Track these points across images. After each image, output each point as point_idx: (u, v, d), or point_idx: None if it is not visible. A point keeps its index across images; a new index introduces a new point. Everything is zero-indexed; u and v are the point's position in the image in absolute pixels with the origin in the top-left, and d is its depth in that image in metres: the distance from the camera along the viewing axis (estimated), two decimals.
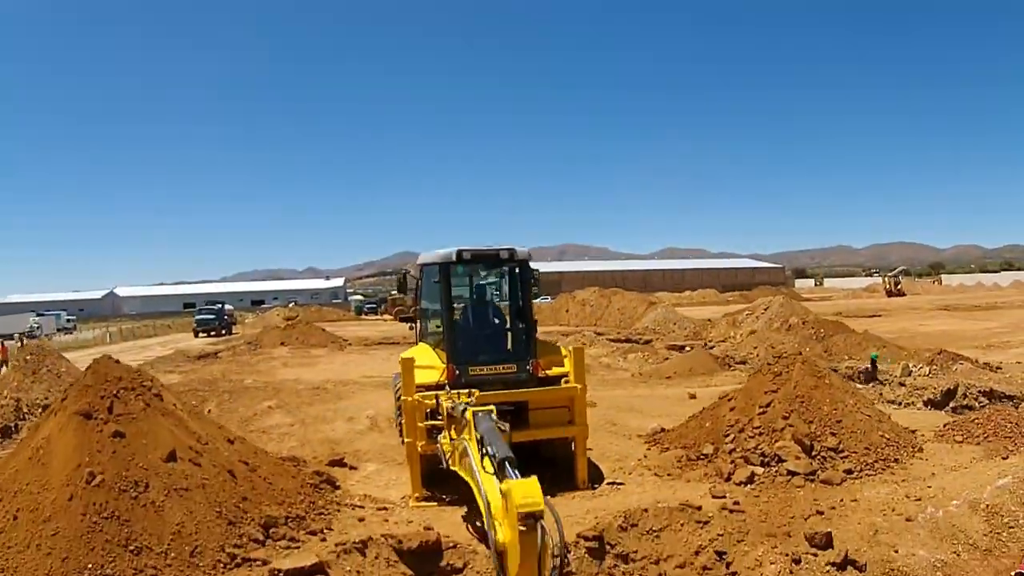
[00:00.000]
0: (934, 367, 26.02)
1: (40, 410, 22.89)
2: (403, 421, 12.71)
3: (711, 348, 35.30)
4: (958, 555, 10.08)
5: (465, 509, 11.32)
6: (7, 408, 23.35)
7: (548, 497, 11.31)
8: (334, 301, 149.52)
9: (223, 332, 73.26)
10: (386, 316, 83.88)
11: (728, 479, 12.60)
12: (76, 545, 8.47)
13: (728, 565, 9.49)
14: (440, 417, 10.87)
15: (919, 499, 11.26)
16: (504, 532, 6.55)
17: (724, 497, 11.33)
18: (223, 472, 10.31)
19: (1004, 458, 13.12)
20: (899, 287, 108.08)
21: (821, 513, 10.68)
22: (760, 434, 13.52)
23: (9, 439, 20.55)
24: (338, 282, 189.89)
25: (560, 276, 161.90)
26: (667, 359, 31.93)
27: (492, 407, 9.66)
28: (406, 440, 12.30)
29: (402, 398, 12.34)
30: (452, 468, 9.94)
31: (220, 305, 79.99)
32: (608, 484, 12.94)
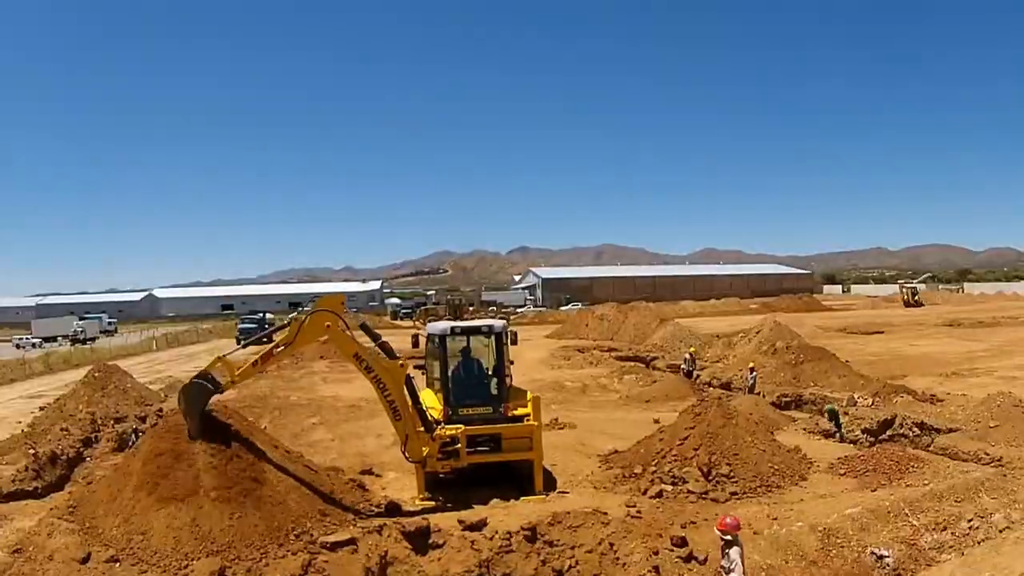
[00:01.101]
0: (877, 398, 30.16)
1: (112, 422, 27.81)
2: None
3: (690, 370, 39.74)
4: (786, 562, 14.15)
5: (455, 508, 16.50)
6: (84, 421, 27.63)
7: (513, 499, 16.41)
8: (371, 304, 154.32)
9: (265, 341, 75.78)
10: (419, 323, 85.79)
11: (644, 493, 17.54)
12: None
13: (615, 552, 14.41)
14: None
15: (775, 518, 15.39)
16: None
17: (634, 507, 16.10)
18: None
19: (873, 491, 17.03)
20: (916, 298, 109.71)
21: (694, 523, 15.20)
22: (675, 460, 18.40)
23: (89, 448, 25.14)
24: (375, 284, 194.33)
25: (591, 282, 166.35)
26: (655, 382, 36.78)
27: None
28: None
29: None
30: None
31: (262, 315, 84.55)
32: (557, 493, 18.06)
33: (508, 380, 18.70)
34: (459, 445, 17.11)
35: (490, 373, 18.97)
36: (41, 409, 32.05)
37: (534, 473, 17.97)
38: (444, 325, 19.07)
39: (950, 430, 24.40)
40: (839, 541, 14.63)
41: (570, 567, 14.43)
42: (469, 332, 19.15)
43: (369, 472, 20.32)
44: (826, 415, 26.03)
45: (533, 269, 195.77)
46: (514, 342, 19.36)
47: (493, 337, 18.88)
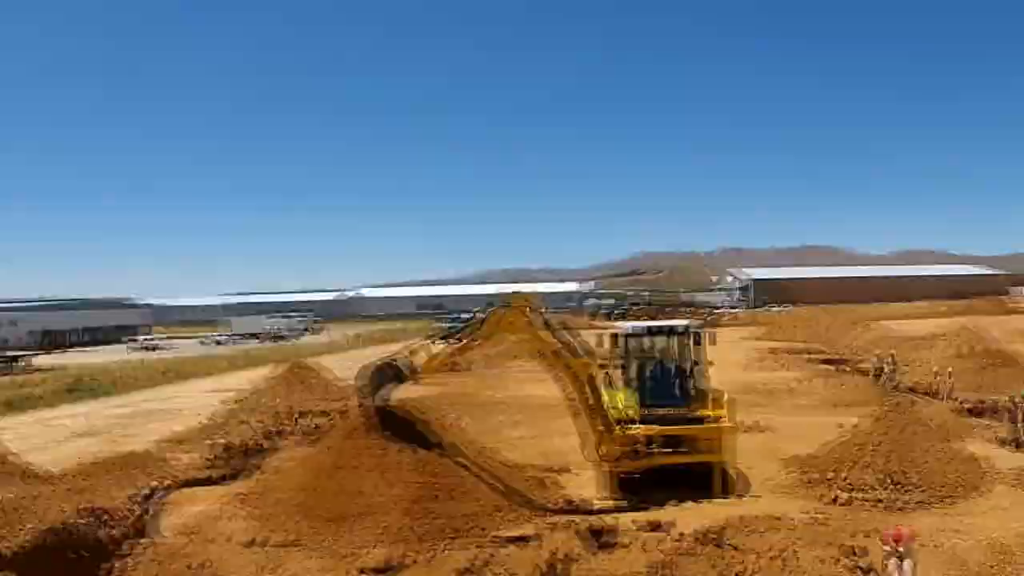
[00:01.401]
0: None
1: (298, 416, 28.98)
2: None
3: (881, 373, 37.91)
4: None
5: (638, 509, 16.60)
6: (269, 415, 29.16)
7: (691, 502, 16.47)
8: (568, 304, 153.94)
9: (454, 340, 76.79)
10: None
11: (835, 500, 17.06)
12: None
13: (793, 559, 13.97)
14: None
15: (950, 530, 14.77)
16: None
17: (814, 513, 15.90)
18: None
19: None
20: None
21: (867, 536, 14.60)
22: (864, 467, 17.85)
23: (271, 440, 25.89)
24: (572, 286, 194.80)
25: (789, 283, 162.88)
26: (843, 385, 35.92)
27: None
28: None
29: None
30: None
31: (459, 315, 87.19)
32: (738, 496, 17.83)
33: (702, 380, 18.75)
34: (641, 445, 17.17)
35: (679, 373, 18.95)
36: (225, 403, 33.51)
37: (714, 475, 17.87)
38: (629, 325, 19.47)
39: None
40: (1005, 559, 13.87)
41: (752, 572, 14.22)
42: (654, 332, 19.35)
43: (555, 470, 20.52)
44: (1020, 399, 24.49)
45: (744, 269, 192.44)
46: (699, 342, 19.25)
47: (677, 337, 18.96)
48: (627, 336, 18.83)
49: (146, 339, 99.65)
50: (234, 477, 21.64)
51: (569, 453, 22.12)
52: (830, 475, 18.26)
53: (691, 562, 14.39)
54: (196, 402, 38.13)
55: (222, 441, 24.69)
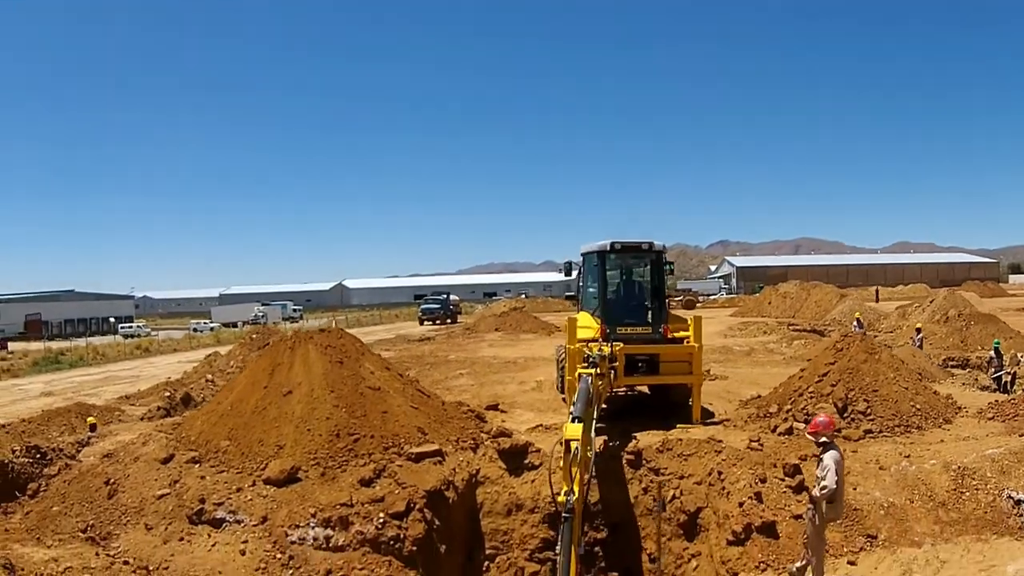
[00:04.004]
0: None
1: None
2: (565, 366, 17.52)
3: (864, 334, 37.32)
4: (911, 501, 12.54)
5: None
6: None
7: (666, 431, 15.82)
8: (567, 294, 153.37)
9: (447, 320, 76.49)
10: None
11: (774, 431, 16.09)
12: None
13: (722, 480, 13.42)
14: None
15: (908, 456, 13.69)
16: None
17: (757, 440, 14.89)
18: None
19: (1021, 435, 14.73)
20: None
21: (802, 459, 13.60)
22: (812, 398, 16.90)
23: None
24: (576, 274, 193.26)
25: (785, 270, 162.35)
26: (818, 343, 35.20)
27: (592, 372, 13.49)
28: (567, 377, 17.09)
29: (566, 346, 17.27)
30: None
31: (445, 295, 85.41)
32: (704, 424, 17.10)
33: (669, 303, 18.40)
34: (616, 363, 15.85)
35: (649, 293, 18.48)
36: (191, 370, 33.41)
37: (692, 400, 17.33)
38: (603, 242, 18.22)
39: None
40: (974, 483, 12.79)
41: (674, 497, 13.64)
42: (628, 250, 18.47)
43: (495, 407, 19.70)
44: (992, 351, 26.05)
45: (728, 258, 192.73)
46: (671, 271, 19.16)
47: (654, 256, 18.35)
48: (597, 254, 18.20)
49: (124, 327, 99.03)
50: None
51: (519, 396, 21.91)
52: (773, 409, 17.40)
53: (608, 484, 13.82)
54: (165, 370, 38.70)
55: (180, 392, 24.77)
